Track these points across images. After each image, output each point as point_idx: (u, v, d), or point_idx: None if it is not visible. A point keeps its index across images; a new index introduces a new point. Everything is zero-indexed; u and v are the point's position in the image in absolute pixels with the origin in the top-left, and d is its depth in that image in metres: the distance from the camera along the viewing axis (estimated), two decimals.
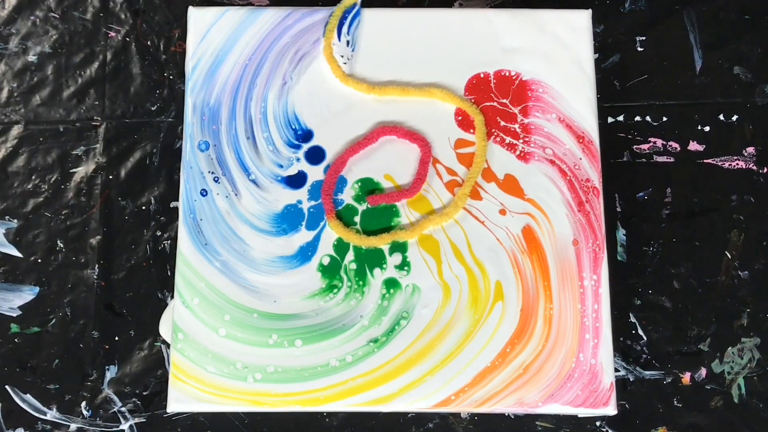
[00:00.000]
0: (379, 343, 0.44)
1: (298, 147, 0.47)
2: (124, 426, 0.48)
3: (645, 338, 0.49)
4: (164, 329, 0.46)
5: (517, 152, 0.47)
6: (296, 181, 0.47)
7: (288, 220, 0.46)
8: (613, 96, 0.53)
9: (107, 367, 0.49)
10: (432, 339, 0.44)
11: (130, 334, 0.49)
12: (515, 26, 0.49)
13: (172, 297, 0.45)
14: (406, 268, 0.46)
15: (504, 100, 0.48)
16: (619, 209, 0.51)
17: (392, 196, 0.46)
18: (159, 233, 0.50)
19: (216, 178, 0.47)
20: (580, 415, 0.46)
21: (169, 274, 0.50)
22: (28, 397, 0.48)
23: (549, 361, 0.44)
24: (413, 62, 0.48)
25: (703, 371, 0.49)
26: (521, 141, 0.47)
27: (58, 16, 0.54)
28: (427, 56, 0.48)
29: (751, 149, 0.52)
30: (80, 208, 0.51)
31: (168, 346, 0.48)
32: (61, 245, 0.50)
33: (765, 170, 0.52)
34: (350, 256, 0.46)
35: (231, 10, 0.49)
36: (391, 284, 0.46)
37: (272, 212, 0.46)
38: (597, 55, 0.51)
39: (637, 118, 0.52)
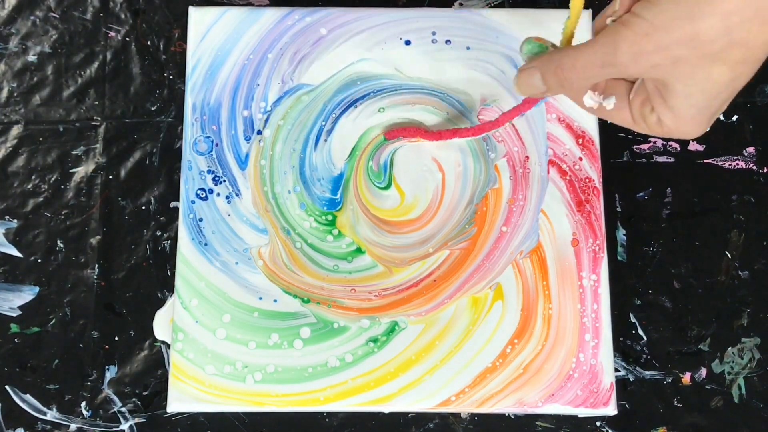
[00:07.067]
0: (379, 343, 0.44)
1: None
2: (124, 426, 0.48)
3: (645, 338, 0.49)
4: (158, 328, 0.46)
5: None
6: None
7: None
8: None
9: (107, 367, 0.49)
10: (432, 339, 0.44)
11: (130, 334, 0.49)
12: (514, 26, 0.49)
13: (172, 297, 0.45)
14: None
15: None
16: (619, 209, 0.51)
17: (410, 131, 0.46)
18: (159, 233, 0.50)
19: (216, 178, 0.47)
20: (580, 415, 0.46)
21: (169, 274, 0.50)
22: (28, 397, 0.48)
23: (549, 361, 0.44)
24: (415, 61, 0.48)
25: (703, 371, 0.49)
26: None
27: (58, 16, 0.54)
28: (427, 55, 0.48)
29: (751, 149, 0.52)
30: (80, 208, 0.51)
31: (167, 345, 0.48)
32: (61, 245, 0.50)
33: (765, 170, 0.52)
34: None
35: (231, 10, 0.49)
36: None
37: None
38: None
39: None
